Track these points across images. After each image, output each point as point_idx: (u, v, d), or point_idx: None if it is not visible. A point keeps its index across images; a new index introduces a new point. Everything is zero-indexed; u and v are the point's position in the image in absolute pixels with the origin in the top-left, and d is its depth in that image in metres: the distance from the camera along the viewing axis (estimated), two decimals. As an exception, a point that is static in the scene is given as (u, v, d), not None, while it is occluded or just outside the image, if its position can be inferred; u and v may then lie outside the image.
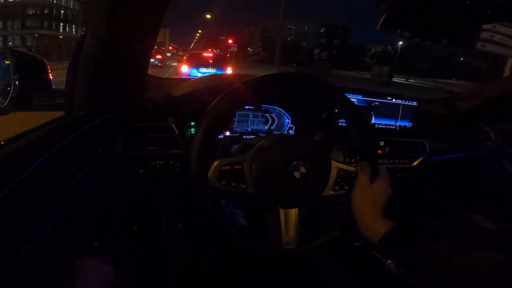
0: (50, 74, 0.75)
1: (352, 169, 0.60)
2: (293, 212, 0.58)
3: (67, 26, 34.59)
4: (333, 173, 0.58)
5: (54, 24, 33.20)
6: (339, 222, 0.62)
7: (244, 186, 0.53)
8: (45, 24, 32.23)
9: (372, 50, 55.59)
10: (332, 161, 0.59)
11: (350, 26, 70.65)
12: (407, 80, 27.83)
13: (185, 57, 9.56)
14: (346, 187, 0.60)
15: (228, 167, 0.52)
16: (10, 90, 0.65)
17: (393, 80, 23.01)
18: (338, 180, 0.59)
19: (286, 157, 0.55)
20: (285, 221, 0.57)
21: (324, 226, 0.61)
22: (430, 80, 29.46)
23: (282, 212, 0.57)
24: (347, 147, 1.02)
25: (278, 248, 0.57)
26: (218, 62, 7.95)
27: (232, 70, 9.19)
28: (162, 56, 22.25)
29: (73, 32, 35.14)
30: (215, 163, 0.51)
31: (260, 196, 0.53)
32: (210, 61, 7.95)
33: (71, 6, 34.55)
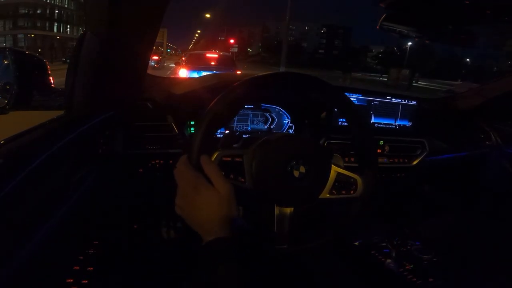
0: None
1: (352, 175, 0.60)
2: (288, 212, 0.58)
3: (61, 26, 34.28)
4: (332, 177, 0.58)
5: (47, 24, 32.87)
6: (333, 226, 0.62)
7: (242, 180, 0.53)
8: (38, 24, 31.94)
9: (374, 50, 55.51)
10: (332, 165, 0.59)
11: (351, 26, 70.76)
12: (416, 82, 27.67)
13: (183, 59, 7.90)
14: (343, 192, 0.60)
15: (229, 159, 0.52)
16: (10, 89, 0.65)
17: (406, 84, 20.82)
18: (336, 184, 0.59)
19: (288, 155, 0.55)
20: (279, 220, 0.57)
21: (317, 229, 0.61)
22: (437, 82, 29.43)
23: (277, 210, 0.57)
24: (347, 147, 1.02)
25: (269, 248, 0.57)
26: (224, 65, 6.62)
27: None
28: (159, 57, 21.87)
29: (68, 33, 34.87)
30: (216, 153, 0.51)
31: (257, 191, 0.53)
32: (215, 64, 6.68)
33: (65, 6, 34.21)
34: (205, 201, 0.48)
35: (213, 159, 0.51)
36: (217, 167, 0.49)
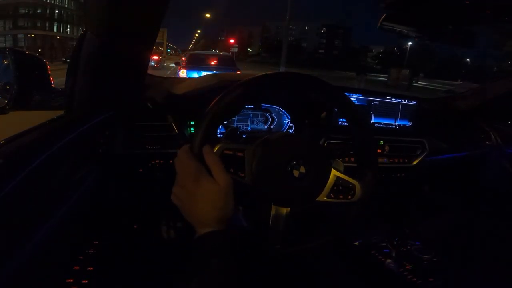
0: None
1: (351, 180, 0.60)
2: (284, 212, 0.58)
3: (61, 26, 34.29)
4: (331, 180, 0.58)
5: (47, 24, 32.89)
6: (328, 228, 0.62)
7: (242, 175, 0.53)
8: (38, 24, 31.97)
9: (374, 50, 55.47)
10: (332, 168, 0.59)
11: (351, 26, 70.78)
12: (416, 82, 27.60)
13: (183, 59, 7.95)
14: (341, 197, 0.60)
15: (230, 152, 0.52)
16: (10, 89, 0.65)
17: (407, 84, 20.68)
18: (335, 188, 0.59)
19: (289, 154, 0.55)
20: (274, 220, 0.57)
21: (312, 231, 0.61)
22: (437, 82, 29.43)
23: (273, 210, 0.57)
24: (347, 147, 1.02)
25: (269, 248, 0.56)
26: (224, 65, 6.64)
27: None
28: (159, 57, 22.06)
29: (68, 33, 34.89)
30: (218, 145, 0.51)
31: (256, 187, 0.53)
32: (215, 64, 6.73)
33: (65, 6, 34.22)
34: (203, 192, 0.47)
35: (215, 150, 0.51)
36: (219, 159, 0.49)
